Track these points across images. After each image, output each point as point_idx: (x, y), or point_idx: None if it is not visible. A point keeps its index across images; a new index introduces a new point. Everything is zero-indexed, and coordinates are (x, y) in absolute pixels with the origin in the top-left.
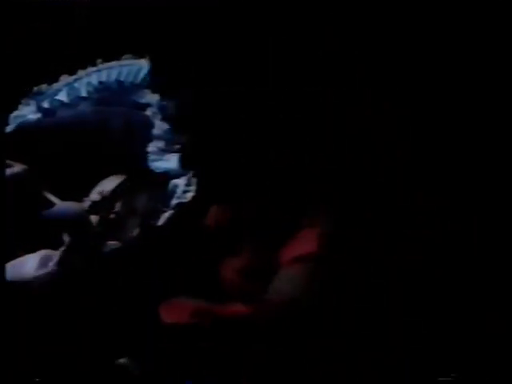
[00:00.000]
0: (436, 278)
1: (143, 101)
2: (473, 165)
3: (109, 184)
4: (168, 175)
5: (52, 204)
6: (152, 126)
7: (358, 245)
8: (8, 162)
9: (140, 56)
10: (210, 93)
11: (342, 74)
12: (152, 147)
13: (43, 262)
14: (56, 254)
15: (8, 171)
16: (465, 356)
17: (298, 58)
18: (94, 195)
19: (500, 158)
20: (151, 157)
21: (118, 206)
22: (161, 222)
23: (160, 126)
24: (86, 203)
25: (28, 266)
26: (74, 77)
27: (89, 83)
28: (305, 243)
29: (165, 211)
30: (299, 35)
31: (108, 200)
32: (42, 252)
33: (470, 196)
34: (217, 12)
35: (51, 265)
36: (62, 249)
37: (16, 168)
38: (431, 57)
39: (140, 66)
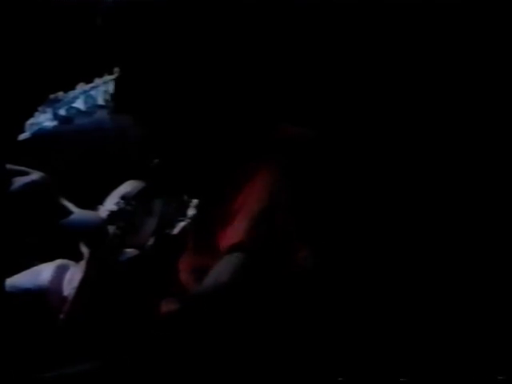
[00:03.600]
0: (435, 278)
1: None
2: (473, 165)
3: (126, 191)
4: None
5: (70, 213)
6: None
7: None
8: (25, 169)
9: None
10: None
11: (341, 74)
12: None
13: (59, 272)
14: (72, 264)
15: (25, 179)
16: (465, 356)
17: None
18: (112, 205)
19: (500, 158)
20: None
21: (135, 215)
22: (176, 231)
23: None
24: (104, 213)
25: (43, 275)
26: (90, 85)
27: (106, 91)
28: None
29: (181, 220)
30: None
31: (126, 209)
32: (58, 261)
33: (469, 196)
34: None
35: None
36: (85, 263)
37: (33, 176)
38: (431, 57)
39: None
